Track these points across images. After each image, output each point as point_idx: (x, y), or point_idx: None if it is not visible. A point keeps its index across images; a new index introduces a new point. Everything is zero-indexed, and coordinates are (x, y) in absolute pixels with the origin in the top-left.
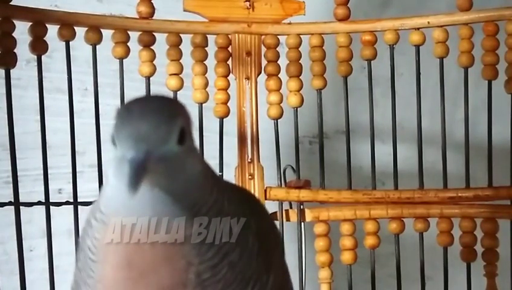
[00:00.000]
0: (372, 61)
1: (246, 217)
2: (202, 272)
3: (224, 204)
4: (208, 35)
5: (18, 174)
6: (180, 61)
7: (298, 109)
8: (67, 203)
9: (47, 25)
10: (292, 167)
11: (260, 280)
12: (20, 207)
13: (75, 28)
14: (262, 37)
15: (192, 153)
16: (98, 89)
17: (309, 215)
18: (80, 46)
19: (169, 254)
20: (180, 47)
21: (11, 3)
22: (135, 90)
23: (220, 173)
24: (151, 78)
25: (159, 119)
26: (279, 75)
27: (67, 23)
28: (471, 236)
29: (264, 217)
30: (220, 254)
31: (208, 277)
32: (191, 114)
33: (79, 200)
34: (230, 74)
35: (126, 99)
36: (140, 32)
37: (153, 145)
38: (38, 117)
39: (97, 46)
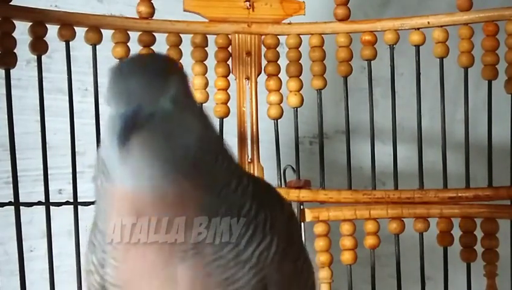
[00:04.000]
0: (372, 61)
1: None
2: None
3: (249, 184)
4: (207, 35)
5: (18, 174)
6: (180, 61)
7: (298, 109)
8: (67, 203)
9: (47, 25)
10: (292, 167)
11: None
12: (20, 207)
13: (75, 28)
14: (262, 37)
15: (192, 115)
16: (98, 89)
17: (309, 216)
18: (80, 46)
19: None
20: (180, 47)
21: (11, 3)
22: None
23: None
24: None
25: (149, 76)
26: (279, 75)
27: (67, 23)
28: (471, 236)
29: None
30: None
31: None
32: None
33: (79, 200)
34: (230, 74)
35: None
36: (140, 32)
37: (144, 101)
38: (38, 117)
39: (97, 46)
